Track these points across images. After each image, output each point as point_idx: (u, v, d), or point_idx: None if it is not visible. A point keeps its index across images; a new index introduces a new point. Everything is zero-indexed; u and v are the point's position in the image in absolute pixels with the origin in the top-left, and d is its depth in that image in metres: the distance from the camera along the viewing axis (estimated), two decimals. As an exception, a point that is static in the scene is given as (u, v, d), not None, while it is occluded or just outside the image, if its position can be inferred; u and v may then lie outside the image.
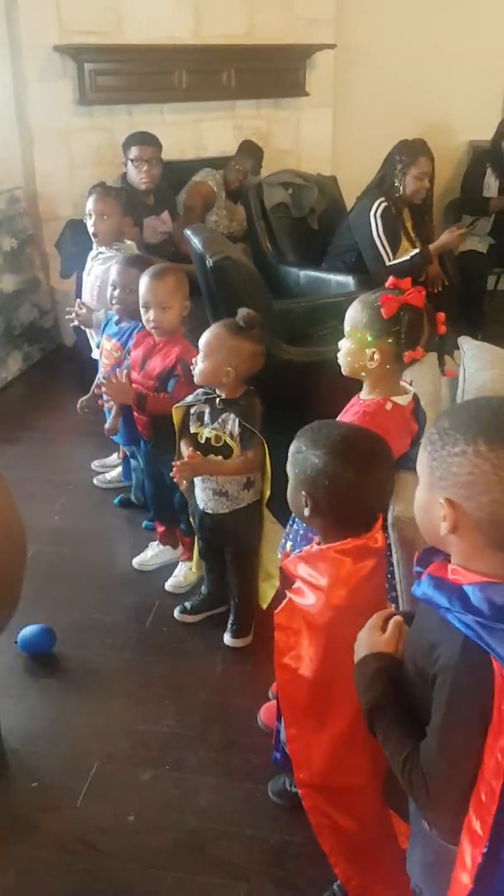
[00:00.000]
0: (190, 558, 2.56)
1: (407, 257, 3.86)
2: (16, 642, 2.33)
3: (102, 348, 2.83)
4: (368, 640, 1.21)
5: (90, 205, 3.01)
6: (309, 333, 3.39)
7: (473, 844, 1.03)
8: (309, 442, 1.49)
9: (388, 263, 3.82)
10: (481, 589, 0.99)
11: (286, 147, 5.24)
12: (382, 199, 3.87)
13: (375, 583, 1.50)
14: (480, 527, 0.98)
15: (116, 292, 2.66)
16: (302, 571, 1.50)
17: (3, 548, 0.69)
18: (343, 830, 1.59)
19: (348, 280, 3.78)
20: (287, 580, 1.53)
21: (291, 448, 1.51)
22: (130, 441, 2.75)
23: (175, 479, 2.18)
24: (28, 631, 2.35)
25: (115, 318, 2.76)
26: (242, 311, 2.10)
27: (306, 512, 1.48)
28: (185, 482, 2.24)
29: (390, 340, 1.75)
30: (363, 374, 1.84)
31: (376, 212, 3.84)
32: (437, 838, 1.14)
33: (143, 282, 2.40)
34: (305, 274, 4.00)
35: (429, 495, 1.03)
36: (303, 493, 1.47)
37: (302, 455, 1.48)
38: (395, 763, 1.10)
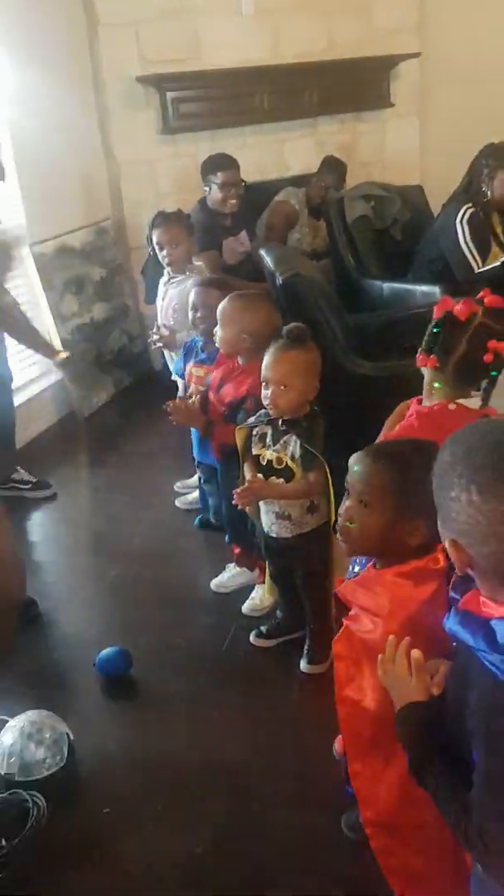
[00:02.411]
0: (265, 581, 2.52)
1: (497, 263, 3.70)
2: (94, 665, 2.35)
3: (192, 375, 2.81)
4: (398, 692, 1.15)
5: (157, 236, 3.04)
6: (392, 346, 3.31)
7: None
8: None
9: (476, 270, 3.68)
10: None
11: (371, 159, 5.18)
12: (469, 204, 3.75)
13: (437, 608, 1.41)
14: (489, 572, 0.91)
15: (199, 314, 2.66)
16: (359, 597, 1.43)
17: None
18: (414, 871, 1.50)
19: (434, 290, 3.66)
20: (343, 607, 1.46)
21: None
22: (205, 457, 2.75)
23: (238, 505, 2.15)
24: (105, 653, 2.36)
25: (200, 343, 2.76)
26: (291, 327, 2.06)
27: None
28: (249, 506, 2.19)
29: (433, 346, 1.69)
30: (435, 385, 1.77)
31: (463, 218, 3.72)
32: (492, 884, 1.06)
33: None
34: (389, 286, 3.91)
35: (441, 529, 0.97)
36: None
37: None
38: (448, 818, 1.04)
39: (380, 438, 1.91)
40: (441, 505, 0.95)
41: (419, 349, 1.73)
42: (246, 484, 2.13)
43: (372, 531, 1.43)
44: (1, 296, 2.91)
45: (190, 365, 2.82)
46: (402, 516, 1.39)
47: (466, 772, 1.02)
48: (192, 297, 2.71)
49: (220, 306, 2.39)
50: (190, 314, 2.73)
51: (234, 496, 2.12)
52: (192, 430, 2.82)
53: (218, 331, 2.39)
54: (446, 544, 0.97)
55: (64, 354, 2.86)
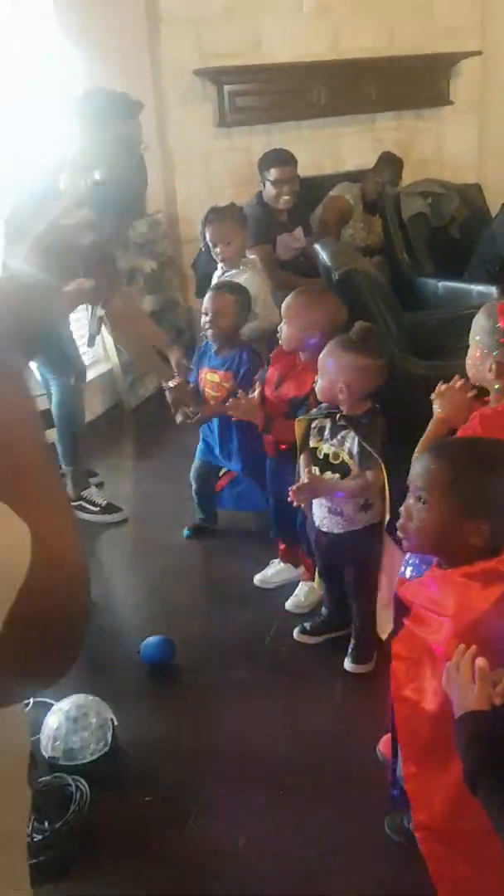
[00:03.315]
0: (310, 578, 2.50)
1: None
2: (138, 652, 2.35)
3: (206, 380, 2.77)
4: (460, 699, 1.12)
5: (210, 234, 3.02)
6: (446, 346, 3.25)
7: None
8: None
9: (535, 272, 3.62)
10: None
11: (429, 156, 5.11)
12: (528, 205, 3.69)
13: (505, 610, 1.38)
14: None
15: (209, 318, 2.64)
16: (423, 598, 1.40)
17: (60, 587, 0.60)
18: (464, 879, 1.46)
19: (491, 290, 3.60)
20: (402, 608, 1.44)
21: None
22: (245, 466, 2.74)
23: (294, 502, 2.13)
24: (150, 641, 2.36)
25: (214, 348, 2.74)
26: (357, 326, 2.03)
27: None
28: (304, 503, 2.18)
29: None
30: (495, 386, 1.74)
31: (521, 218, 3.66)
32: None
33: None
34: (444, 285, 3.86)
35: None
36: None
37: None
38: (498, 830, 1.02)
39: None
40: None
41: None
42: (303, 479, 2.11)
43: (430, 529, 1.41)
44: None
45: (203, 370, 2.78)
46: (463, 515, 1.37)
47: None
48: (205, 302, 2.70)
49: (286, 302, 2.38)
50: (202, 318, 2.71)
51: (290, 493, 2.10)
52: (211, 428, 2.82)
53: (283, 327, 2.37)
54: None
55: (176, 381, 2.77)
